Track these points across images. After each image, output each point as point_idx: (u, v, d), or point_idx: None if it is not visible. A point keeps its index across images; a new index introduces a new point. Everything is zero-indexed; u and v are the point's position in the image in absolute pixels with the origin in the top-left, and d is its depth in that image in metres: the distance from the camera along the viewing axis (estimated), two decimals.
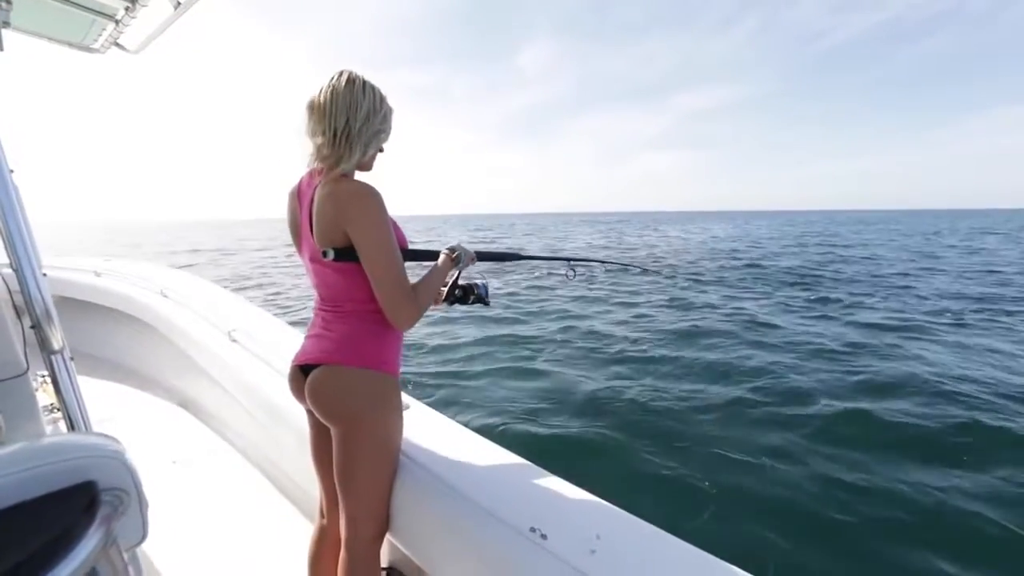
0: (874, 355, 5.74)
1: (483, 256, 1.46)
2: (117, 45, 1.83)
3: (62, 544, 0.48)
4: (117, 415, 2.73)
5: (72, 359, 1.21)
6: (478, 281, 1.40)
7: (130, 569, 0.60)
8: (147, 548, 1.73)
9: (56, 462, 0.54)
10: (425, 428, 1.44)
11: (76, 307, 3.62)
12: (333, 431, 1.21)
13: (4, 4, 1.30)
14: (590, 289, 9.68)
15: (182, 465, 2.28)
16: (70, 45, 1.89)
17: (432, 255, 1.34)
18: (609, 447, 3.62)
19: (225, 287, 3.23)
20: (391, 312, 1.13)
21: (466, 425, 1.49)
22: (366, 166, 1.21)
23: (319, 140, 1.11)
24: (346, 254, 1.12)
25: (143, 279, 3.32)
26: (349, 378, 1.16)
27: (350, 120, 1.09)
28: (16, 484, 0.51)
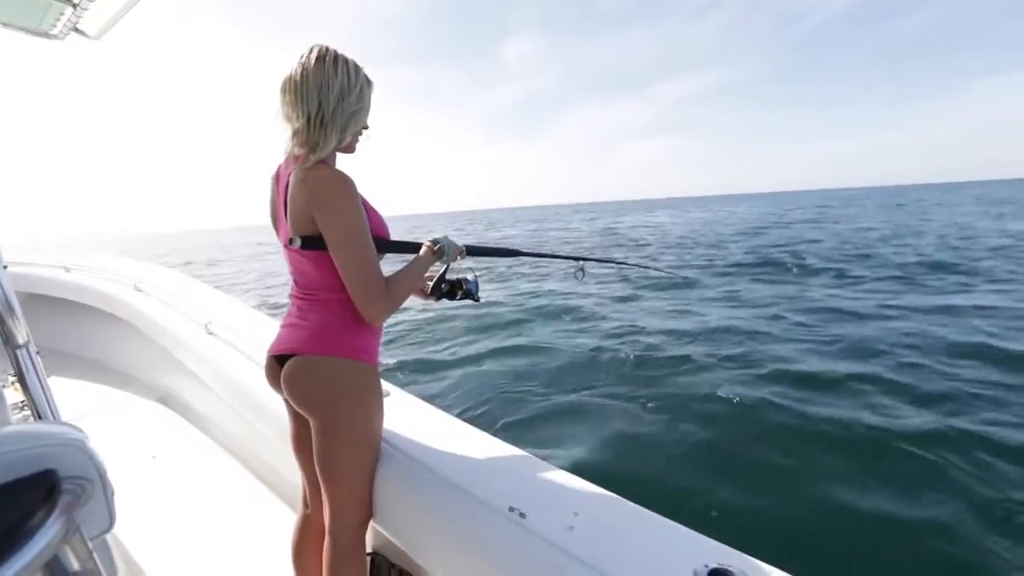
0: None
1: (474, 250, 1.40)
2: (76, 30, 1.76)
3: (19, 533, 0.47)
4: (94, 412, 2.68)
5: (39, 354, 1.18)
6: (468, 276, 1.36)
7: (96, 557, 0.59)
8: (130, 542, 1.72)
9: (14, 451, 0.53)
10: (406, 415, 1.44)
11: (47, 304, 3.52)
12: (312, 421, 1.19)
13: None
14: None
15: (162, 460, 2.25)
16: (27, 31, 1.81)
17: (414, 247, 1.30)
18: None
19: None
20: (360, 303, 1.11)
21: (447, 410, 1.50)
22: (348, 148, 1.17)
23: (295, 125, 1.07)
24: (314, 242, 1.10)
25: (115, 273, 3.24)
26: (324, 368, 1.14)
27: (323, 102, 1.04)
28: None
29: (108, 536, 1.41)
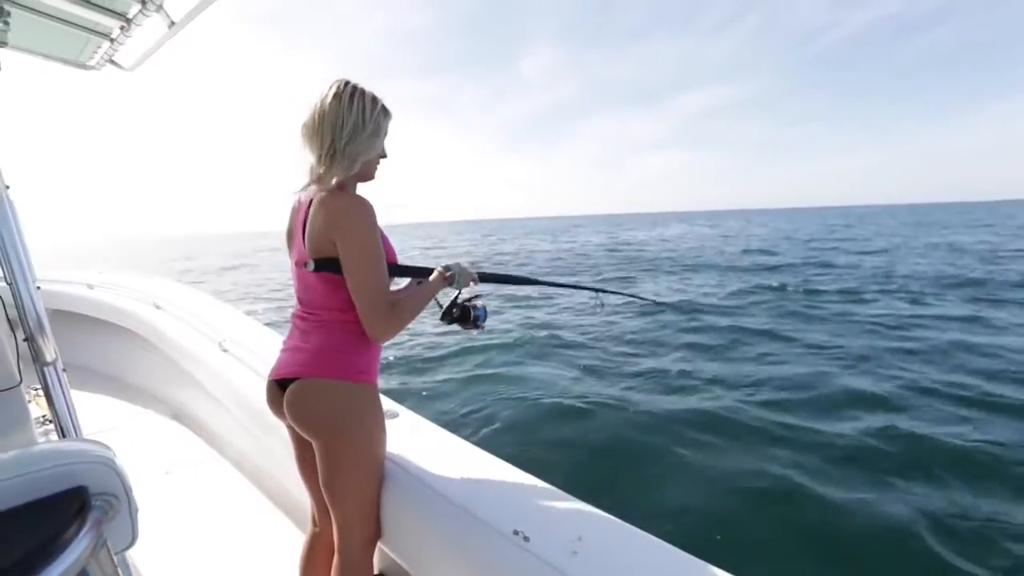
0: None
1: (487, 277, 1.41)
2: (112, 62, 1.87)
3: (52, 548, 0.50)
4: (111, 427, 2.73)
5: (64, 371, 1.22)
6: (477, 303, 1.37)
7: (120, 572, 0.62)
8: (140, 558, 1.74)
9: (47, 468, 0.56)
10: (413, 436, 1.46)
11: (70, 320, 3.61)
12: (315, 444, 1.21)
13: (2, 24, 1.33)
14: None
15: (175, 476, 2.28)
16: (66, 62, 1.93)
17: (425, 272, 1.32)
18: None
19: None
20: (368, 323, 1.13)
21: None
22: (366, 176, 1.22)
23: (310, 159, 1.14)
24: (328, 265, 1.14)
25: (135, 291, 3.33)
26: (326, 391, 1.16)
27: (335, 139, 1.10)
28: (7, 490, 0.53)
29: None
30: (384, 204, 1.17)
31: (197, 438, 2.61)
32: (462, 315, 1.36)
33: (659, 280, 13.61)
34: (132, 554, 1.72)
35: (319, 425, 1.17)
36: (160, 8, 1.39)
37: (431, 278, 1.30)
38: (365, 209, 1.12)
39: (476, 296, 1.39)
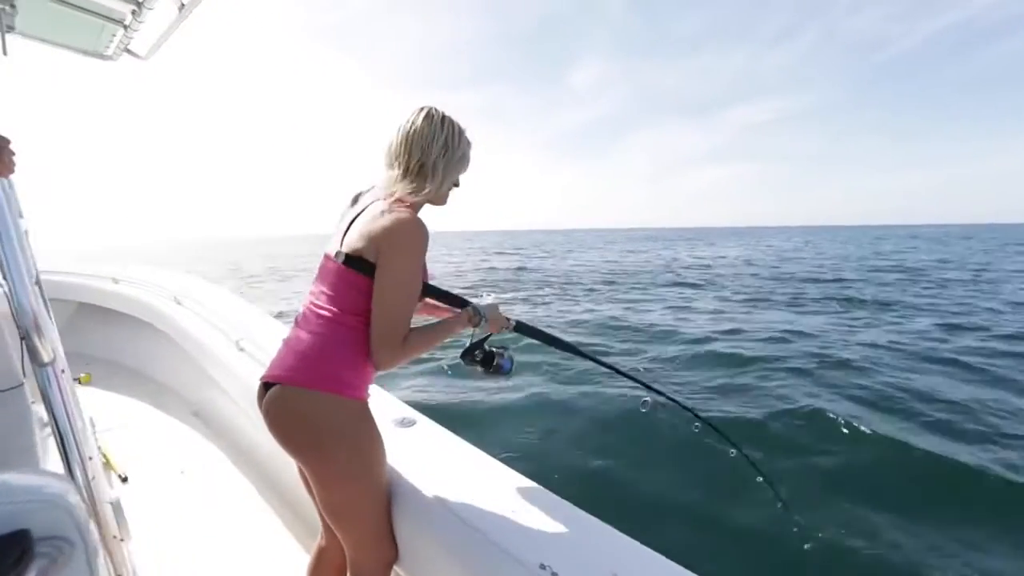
0: None
1: (524, 329, 1.32)
2: (128, 51, 1.82)
3: None
4: (130, 423, 2.73)
5: (64, 371, 1.16)
6: (504, 353, 1.27)
7: None
8: (148, 558, 1.70)
9: None
10: (431, 448, 1.36)
11: (96, 313, 3.66)
12: (301, 465, 1.12)
13: (8, 8, 1.27)
14: None
15: (189, 476, 2.25)
16: (84, 53, 1.89)
17: (458, 302, 1.26)
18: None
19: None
20: (376, 347, 1.06)
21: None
22: (439, 200, 1.20)
23: (393, 172, 1.13)
24: (358, 264, 1.07)
25: (158, 286, 3.33)
26: (304, 404, 1.06)
27: (424, 155, 1.11)
28: None
29: (126, 550, 1.39)
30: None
31: (215, 437, 2.58)
32: (484, 359, 1.26)
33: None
34: (139, 554, 1.67)
35: (297, 441, 1.07)
36: None
37: (455, 316, 1.22)
38: (421, 233, 1.07)
39: (504, 348, 1.29)
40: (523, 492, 1.18)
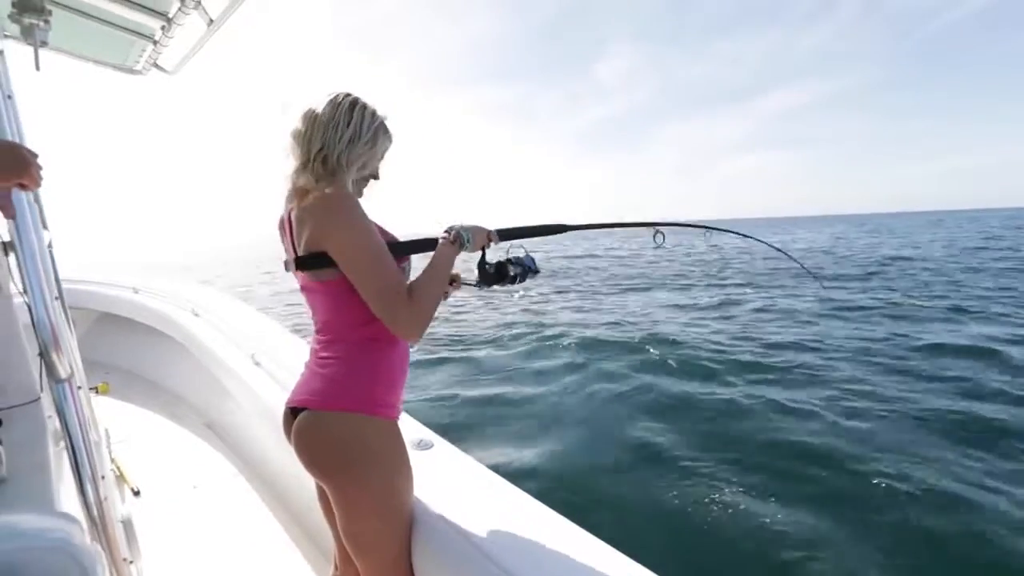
0: None
1: (507, 233, 1.22)
2: (156, 66, 1.85)
3: None
4: (145, 434, 2.72)
5: (80, 388, 1.14)
6: (518, 254, 1.21)
7: None
8: (156, 574, 1.67)
9: None
10: (450, 474, 1.30)
11: (117, 323, 3.69)
12: (326, 488, 1.07)
13: (41, 24, 1.28)
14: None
15: (202, 490, 2.22)
16: (114, 67, 1.92)
17: (431, 243, 1.14)
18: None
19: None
20: (391, 321, 0.99)
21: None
22: (355, 194, 1.10)
23: (294, 164, 1.04)
24: (314, 263, 1.01)
25: (176, 297, 3.35)
26: (335, 425, 1.02)
27: (325, 147, 1.01)
28: None
29: (134, 569, 1.35)
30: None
31: (229, 451, 2.55)
32: (498, 272, 1.20)
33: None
34: (147, 569, 1.63)
35: (327, 465, 1.03)
36: (199, 5, 1.33)
37: (440, 247, 1.12)
38: (348, 199, 1.00)
39: (510, 254, 1.23)
40: (544, 523, 1.11)
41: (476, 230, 1.16)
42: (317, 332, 1.13)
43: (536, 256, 1.26)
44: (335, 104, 1.02)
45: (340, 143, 1.01)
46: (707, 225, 1.55)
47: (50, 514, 0.51)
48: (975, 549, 2.70)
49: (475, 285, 1.24)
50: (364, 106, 1.05)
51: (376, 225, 1.05)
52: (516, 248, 1.25)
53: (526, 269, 1.23)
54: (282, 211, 1.12)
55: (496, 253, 1.23)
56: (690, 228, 1.55)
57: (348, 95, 1.04)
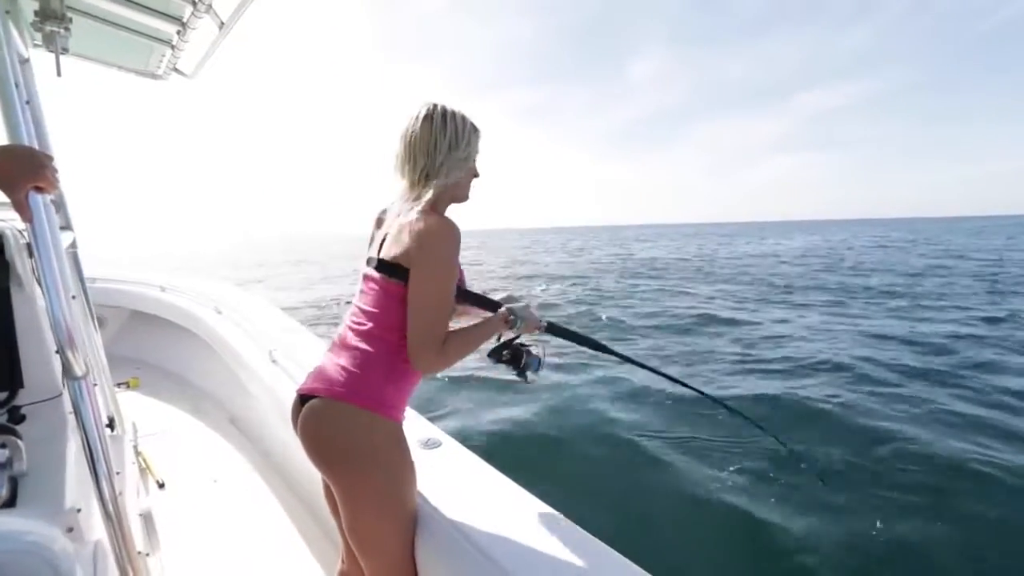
0: None
1: (556, 330, 1.26)
2: (176, 70, 1.89)
3: None
4: (171, 428, 2.80)
5: (96, 385, 1.16)
6: (532, 349, 1.22)
7: None
8: (173, 567, 1.71)
9: None
10: (456, 473, 1.30)
11: (146, 321, 3.82)
12: (329, 479, 1.09)
13: (62, 31, 1.32)
14: None
15: (222, 485, 2.27)
16: (137, 72, 1.98)
17: (491, 305, 1.21)
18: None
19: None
20: (415, 352, 1.05)
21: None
22: (460, 197, 1.19)
23: (403, 181, 1.14)
24: (391, 270, 1.07)
25: (201, 295, 3.44)
26: (342, 416, 1.05)
27: (428, 161, 1.09)
28: None
29: (152, 560, 1.38)
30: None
31: (249, 447, 2.61)
32: (512, 358, 1.21)
33: None
34: (165, 566, 1.68)
35: (329, 454, 1.06)
36: (210, 8, 1.35)
37: (491, 317, 1.18)
38: (452, 234, 1.06)
39: (536, 343, 1.24)
40: (551, 526, 1.10)
41: (530, 319, 1.20)
42: (354, 315, 1.16)
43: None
44: (430, 120, 1.09)
45: (440, 153, 1.09)
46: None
47: (34, 516, 0.51)
48: None
49: (488, 355, 1.24)
50: (453, 113, 1.11)
51: (457, 258, 1.10)
52: (543, 342, 1.26)
53: (535, 368, 1.23)
54: (384, 208, 1.22)
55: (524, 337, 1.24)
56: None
57: (435, 105, 1.11)
